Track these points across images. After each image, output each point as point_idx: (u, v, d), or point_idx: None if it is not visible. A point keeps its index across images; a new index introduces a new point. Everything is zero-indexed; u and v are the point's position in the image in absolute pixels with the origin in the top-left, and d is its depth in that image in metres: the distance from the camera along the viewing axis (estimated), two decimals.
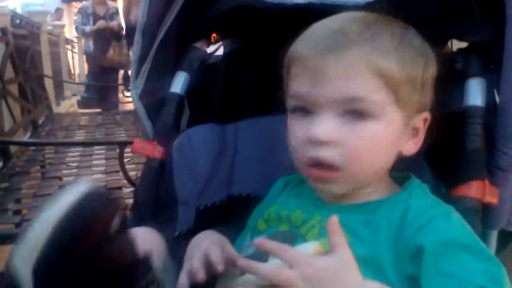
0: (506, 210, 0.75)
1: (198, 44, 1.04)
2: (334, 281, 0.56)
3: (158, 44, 0.96)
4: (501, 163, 0.73)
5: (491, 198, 0.72)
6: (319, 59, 0.64)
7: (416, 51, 0.68)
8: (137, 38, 0.97)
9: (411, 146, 0.71)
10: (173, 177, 0.92)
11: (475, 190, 0.72)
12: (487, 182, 0.73)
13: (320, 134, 0.64)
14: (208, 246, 0.71)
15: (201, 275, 0.66)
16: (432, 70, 0.69)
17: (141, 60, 0.97)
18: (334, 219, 0.58)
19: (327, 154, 0.64)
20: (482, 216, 0.73)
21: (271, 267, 0.57)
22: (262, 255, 0.66)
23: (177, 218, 0.90)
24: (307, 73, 0.66)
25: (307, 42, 0.68)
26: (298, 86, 0.67)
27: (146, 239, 0.72)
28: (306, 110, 0.67)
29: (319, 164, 0.66)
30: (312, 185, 0.71)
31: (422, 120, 0.71)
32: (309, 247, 0.60)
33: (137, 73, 0.98)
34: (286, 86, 0.72)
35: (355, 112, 0.64)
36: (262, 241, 0.60)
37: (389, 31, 0.67)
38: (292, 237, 0.71)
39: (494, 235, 0.76)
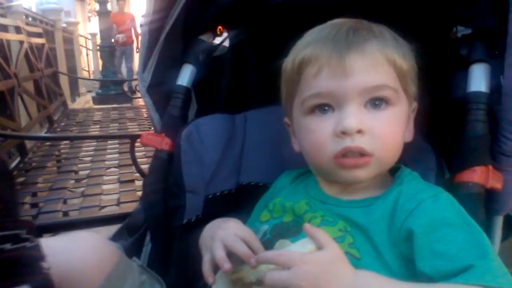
0: (511, 196, 0.75)
1: (204, 37, 1.04)
2: (328, 274, 0.57)
3: (164, 37, 0.96)
4: (505, 148, 0.72)
5: (495, 183, 0.72)
6: (343, 55, 0.67)
7: (406, 46, 0.72)
8: (144, 30, 0.98)
9: (408, 134, 0.74)
10: (181, 166, 0.93)
11: (478, 175, 0.72)
12: (491, 167, 0.72)
13: (354, 124, 0.66)
14: (228, 236, 0.70)
15: (227, 265, 0.66)
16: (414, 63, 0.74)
17: (148, 53, 0.98)
18: (306, 225, 0.62)
19: (362, 142, 0.67)
20: (486, 202, 0.73)
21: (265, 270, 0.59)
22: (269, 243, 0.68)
23: (185, 206, 0.92)
24: (331, 70, 0.67)
25: (322, 43, 0.69)
26: (321, 83, 0.68)
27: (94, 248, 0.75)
28: (327, 107, 0.69)
29: (351, 153, 0.67)
30: (341, 175, 0.70)
31: (413, 109, 0.75)
32: (305, 245, 0.61)
33: (144, 66, 0.98)
34: (294, 91, 0.73)
35: (378, 100, 0.68)
36: (257, 256, 0.62)
37: (385, 30, 0.72)
38: (297, 228, 0.72)
39: (499, 221, 0.76)
